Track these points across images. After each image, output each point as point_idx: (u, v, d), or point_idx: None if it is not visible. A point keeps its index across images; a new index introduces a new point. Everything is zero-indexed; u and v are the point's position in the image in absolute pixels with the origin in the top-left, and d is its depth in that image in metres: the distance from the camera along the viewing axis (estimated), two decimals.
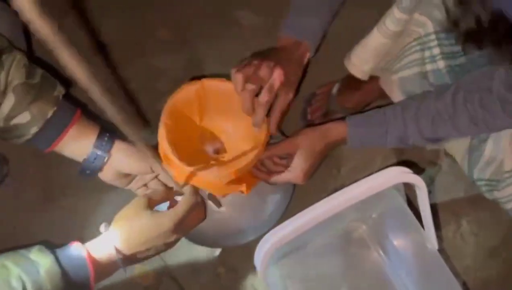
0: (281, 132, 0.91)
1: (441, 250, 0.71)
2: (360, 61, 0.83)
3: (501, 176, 0.71)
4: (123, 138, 0.67)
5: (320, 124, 0.76)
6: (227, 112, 0.73)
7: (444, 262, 0.68)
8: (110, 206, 0.94)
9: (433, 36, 0.72)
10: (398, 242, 0.79)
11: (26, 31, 0.86)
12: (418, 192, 0.61)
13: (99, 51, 1.07)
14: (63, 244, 0.59)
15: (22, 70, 0.61)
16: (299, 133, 0.74)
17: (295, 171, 0.72)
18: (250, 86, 0.66)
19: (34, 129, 0.62)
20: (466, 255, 0.92)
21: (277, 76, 0.66)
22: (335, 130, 0.74)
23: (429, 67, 0.75)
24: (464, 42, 0.46)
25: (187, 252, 0.89)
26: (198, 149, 0.74)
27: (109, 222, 0.62)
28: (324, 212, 0.58)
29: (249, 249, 0.89)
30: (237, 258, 0.89)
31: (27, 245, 0.70)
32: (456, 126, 0.67)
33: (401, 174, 0.59)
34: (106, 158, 0.66)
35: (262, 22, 1.10)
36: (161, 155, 0.69)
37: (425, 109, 0.69)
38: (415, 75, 0.79)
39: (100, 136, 0.66)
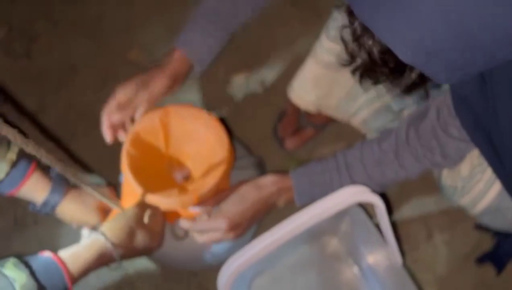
0: (247, 149, 0.91)
1: (405, 265, 0.72)
2: (302, 92, 0.82)
3: (460, 182, 0.71)
4: (75, 187, 0.72)
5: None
6: (191, 137, 0.74)
7: (409, 277, 0.69)
8: None
9: None
10: (368, 254, 0.79)
11: None
12: (377, 211, 0.62)
13: (68, 76, 1.07)
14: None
15: None
16: (236, 183, 0.70)
17: (218, 214, 0.65)
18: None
19: None
20: (440, 265, 0.93)
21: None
22: (270, 182, 0.68)
23: (388, 98, 0.75)
24: (360, 76, 0.46)
25: (162, 275, 0.89)
26: (167, 178, 0.75)
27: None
28: (287, 232, 0.59)
29: None
30: (213, 281, 0.89)
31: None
32: (402, 165, 0.65)
33: (358, 193, 0.60)
34: (57, 206, 0.70)
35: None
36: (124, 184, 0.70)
37: (368, 153, 0.66)
38: (376, 111, 0.79)
39: (52, 189, 0.70)
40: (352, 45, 0.43)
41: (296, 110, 1.00)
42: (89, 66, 1.09)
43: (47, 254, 0.59)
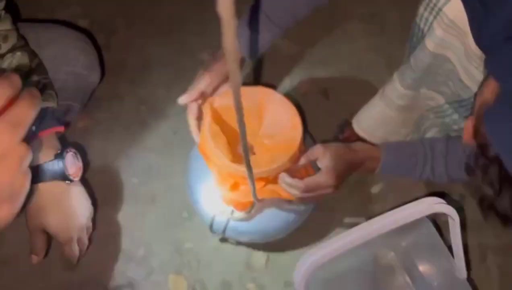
0: (313, 139, 0.95)
1: (468, 280, 0.73)
2: (369, 128, 0.87)
3: None
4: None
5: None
6: (258, 117, 0.76)
7: None
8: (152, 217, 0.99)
9: (446, 106, 0.77)
10: (426, 270, 0.81)
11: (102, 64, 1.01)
12: (451, 222, 0.64)
13: (142, 71, 1.13)
14: None
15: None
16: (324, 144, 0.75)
17: (327, 170, 0.70)
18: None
19: None
20: (491, 287, 0.93)
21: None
22: (362, 148, 0.75)
23: (455, 127, 0.79)
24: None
25: (220, 264, 0.93)
26: (237, 154, 0.78)
27: None
28: (358, 238, 0.61)
29: (278, 268, 0.93)
30: (267, 276, 0.92)
31: None
32: None
33: (435, 205, 0.62)
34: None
35: (299, 51, 1.16)
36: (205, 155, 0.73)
37: (453, 150, 0.72)
38: (442, 124, 0.82)
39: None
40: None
41: None
42: (162, 63, 1.15)
43: None
